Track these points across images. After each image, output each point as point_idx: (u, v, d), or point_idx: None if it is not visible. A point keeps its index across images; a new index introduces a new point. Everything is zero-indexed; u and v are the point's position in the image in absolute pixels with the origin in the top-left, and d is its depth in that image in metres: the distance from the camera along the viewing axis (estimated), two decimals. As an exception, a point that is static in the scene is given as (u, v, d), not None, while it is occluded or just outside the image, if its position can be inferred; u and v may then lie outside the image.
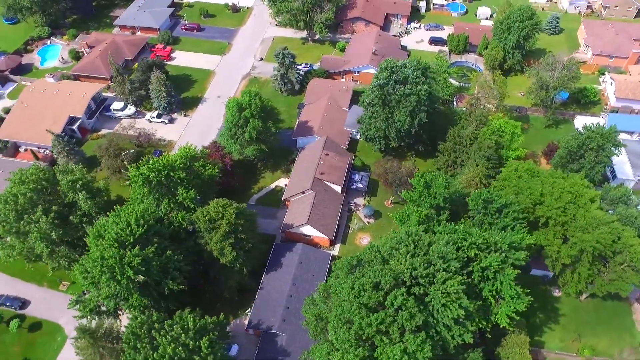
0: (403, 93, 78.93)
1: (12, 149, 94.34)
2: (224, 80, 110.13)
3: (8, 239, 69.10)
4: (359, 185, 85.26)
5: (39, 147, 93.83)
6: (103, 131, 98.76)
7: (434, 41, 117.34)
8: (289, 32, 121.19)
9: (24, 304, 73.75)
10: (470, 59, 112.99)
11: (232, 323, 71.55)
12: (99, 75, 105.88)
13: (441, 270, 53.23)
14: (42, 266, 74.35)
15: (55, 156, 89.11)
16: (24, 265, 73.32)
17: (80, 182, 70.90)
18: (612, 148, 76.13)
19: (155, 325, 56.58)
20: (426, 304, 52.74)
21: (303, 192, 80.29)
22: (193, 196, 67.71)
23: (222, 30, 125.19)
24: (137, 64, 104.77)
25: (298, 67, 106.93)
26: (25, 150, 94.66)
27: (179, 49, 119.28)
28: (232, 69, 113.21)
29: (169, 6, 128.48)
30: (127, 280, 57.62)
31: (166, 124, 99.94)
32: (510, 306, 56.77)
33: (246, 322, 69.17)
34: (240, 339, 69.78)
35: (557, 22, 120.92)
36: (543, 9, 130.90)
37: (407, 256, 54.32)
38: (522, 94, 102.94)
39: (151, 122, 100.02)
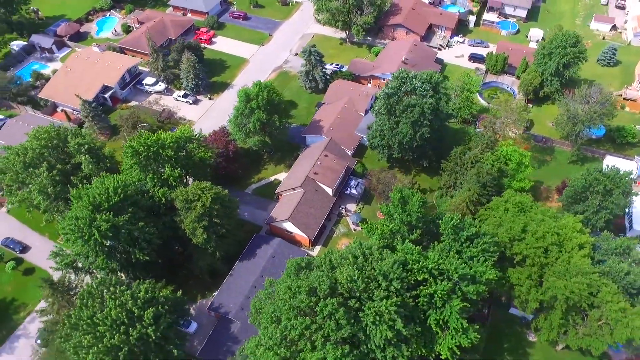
0: (408, 104, 77.42)
1: (50, 108, 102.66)
2: (255, 70, 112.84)
3: (13, 187, 75.63)
4: (353, 191, 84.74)
5: (72, 110, 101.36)
6: (133, 103, 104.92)
7: (473, 58, 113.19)
8: (330, 31, 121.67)
9: (25, 248, 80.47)
10: (507, 80, 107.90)
11: (199, 302, 74.28)
12: (141, 51, 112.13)
13: (381, 288, 52.22)
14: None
15: (82, 119, 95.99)
16: (34, 213, 79.80)
17: (87, 145, 76.07)
18: (623, 195, 70.26)
19: (111, 288, 59.96)
20: (359, 319, 52.04)
21: (294, 189, 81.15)
22: (177, 175, 70.69)
23: (267, 22, 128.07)
24: (174, 44, 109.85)
25: (327, 66, 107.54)
26: (61, 110, 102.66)
27: (221, 35, 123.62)
28: (266, 60, 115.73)
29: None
30: (94, 243, 61.49)
31: (190, 104, 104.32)
32: (453, 339, 54.58)
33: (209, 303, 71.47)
34: (202, 319, 72.21)
35: (614, 54, 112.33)
36: (604, 38, 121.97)
37: (351, 267, 53.78)
38: (552, 124, 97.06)
39: (177, 100, 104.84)
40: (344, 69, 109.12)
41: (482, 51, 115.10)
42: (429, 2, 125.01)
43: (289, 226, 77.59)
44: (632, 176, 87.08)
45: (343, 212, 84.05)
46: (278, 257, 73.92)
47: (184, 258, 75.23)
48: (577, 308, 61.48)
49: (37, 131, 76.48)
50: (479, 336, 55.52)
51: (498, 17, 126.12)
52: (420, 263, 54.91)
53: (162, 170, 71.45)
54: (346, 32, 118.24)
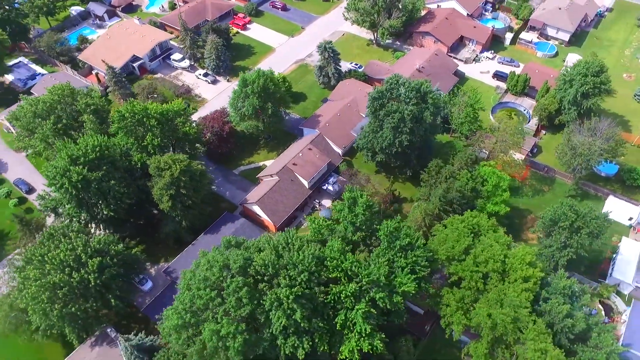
0: (390, 109, 77.61)
1: (86, 70, 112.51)
2: (278, 59, 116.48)
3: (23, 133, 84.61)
4: (330, 187, 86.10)
5: (105, 74, 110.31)
6: (158, 75, 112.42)
7: (497, 75, 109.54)
8: (361, 32, 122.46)
9: (30, 190, 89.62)
10: (526, 103, 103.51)
11: (160, 265, 79.41)
12: (178, 28, 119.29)
13: (288, 276, 54.03)
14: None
15: (107, 84, 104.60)
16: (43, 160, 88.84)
17: (93, 106, 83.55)
18: (588, 236, 66.35)
19: (70, 234, 66.26)
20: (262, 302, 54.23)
21: (271, 176, 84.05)
22: (156, 144, 75.96)
23: (304, 15, 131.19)
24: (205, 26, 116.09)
25: (346, 65, 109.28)
26: (95, 73, 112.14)
27: (257, 22, 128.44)
28: (291, 51, 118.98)
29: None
30: (65, 191, 68.18)
31: (209, 83, 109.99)
32: (356, 342, 55.23)
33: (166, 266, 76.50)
34: (158, 280, 77.29)
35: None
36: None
37: (269, 252, 56.00)
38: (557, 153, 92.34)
39: (197, 78, 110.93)
40: (361, 69, 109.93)
41: (508, 70, 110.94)
42: (468, 14, 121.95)
43: (257, 209, 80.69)
44: (631, 222, 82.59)
45: (317, 206, 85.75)
46: (238, 235, 77.06)
47: (156, 222, 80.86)
48: (506, 342, 59.64)
49: (54, 87, 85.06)
50: (382, 345, 55.62)
51: (538, 37, 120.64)
52: (336, 262, 55.91)
53: (144, 137, 76.87)
54: (374, 34, 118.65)
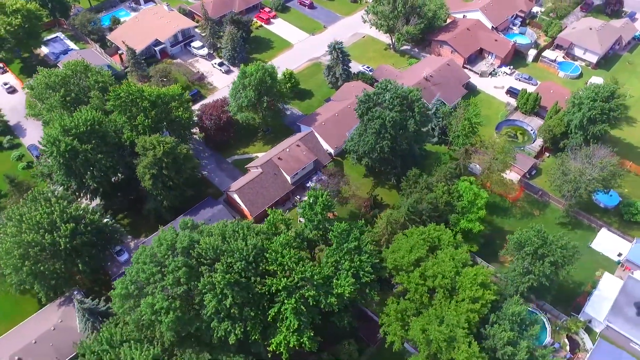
0: (373, 114, 77.77)
1: (113, 49, 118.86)
2: (293, 55, 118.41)
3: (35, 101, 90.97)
4: (312, 185, 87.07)
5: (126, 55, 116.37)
6: (178, 60, 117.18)
7: (511, 92, 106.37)
8: (382, 36, 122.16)
9: (40, 156, 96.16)
10: (534, 123, 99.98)
11: (140, 239, 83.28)
12: (211, 17, 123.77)
13: (225, 262, 55.89)
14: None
15: (126, 64, 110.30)
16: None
17: (101, 84, 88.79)
18: (550, 265, 63.87)
19: (52, 199, 70.99)
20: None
21: (257, 167, 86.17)
22: (147, 124, 79.76)
23: (329, 14, 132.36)
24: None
25: (359, 67, 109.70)
26: (120, 53, 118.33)
27: (282, 17, 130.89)
28: (308, 49, 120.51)
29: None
30: (54, 159, 73.30)
31: (222, 72, 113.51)
32: (282, 335, 56.40)
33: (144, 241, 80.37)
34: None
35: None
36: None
37: (215, 238, 58.13)
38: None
39: (213, 67, 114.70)
40: (371, 73, 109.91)
41: (525, 87, 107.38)
42: (492, 27, 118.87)
43: (237, 198, 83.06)
44: (620, 259, 78.50)
45: (298, 201, 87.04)
46: (213, 221, 79.45)
47: (144, 198, 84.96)
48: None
49: (70, 62, 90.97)
50: (311, 342, 56.41)
51: (564, 57, 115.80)
52: (276, 255, 57.20)
53: (136, 116, 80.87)
54: (391, 39, 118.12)
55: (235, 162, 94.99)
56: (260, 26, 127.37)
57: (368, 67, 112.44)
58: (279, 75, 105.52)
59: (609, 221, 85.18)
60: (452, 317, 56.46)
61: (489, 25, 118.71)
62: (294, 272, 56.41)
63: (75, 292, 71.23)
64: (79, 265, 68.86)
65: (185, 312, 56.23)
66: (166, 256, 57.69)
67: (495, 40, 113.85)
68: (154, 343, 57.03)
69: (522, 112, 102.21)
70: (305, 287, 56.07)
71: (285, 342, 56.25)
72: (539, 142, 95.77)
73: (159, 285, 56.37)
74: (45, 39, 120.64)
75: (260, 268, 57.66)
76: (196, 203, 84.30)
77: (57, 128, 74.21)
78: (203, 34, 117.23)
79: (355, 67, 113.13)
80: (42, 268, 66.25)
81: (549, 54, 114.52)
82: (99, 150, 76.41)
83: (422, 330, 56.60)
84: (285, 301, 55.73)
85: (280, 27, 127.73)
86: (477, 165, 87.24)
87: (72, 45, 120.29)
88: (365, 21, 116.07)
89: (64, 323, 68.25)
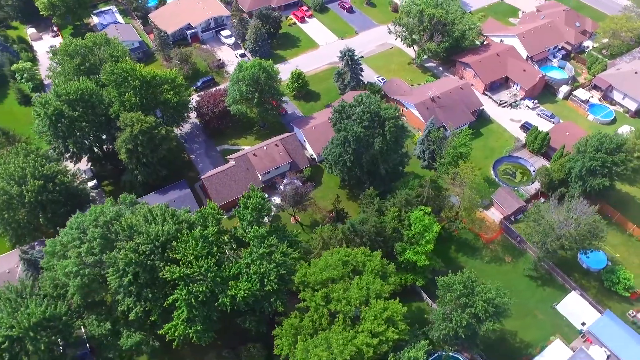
0: (340, 126, 76.64)
1: (150, 28, 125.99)
2: (315, 56, 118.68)
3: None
4: (281, 187, 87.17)
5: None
6: (206, 45, 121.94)
7: (525, 127, 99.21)
8: (410, 49, 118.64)
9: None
10: (539, 163, 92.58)
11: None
12: (241, 8, 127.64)
13: (135, 242, 58.42)
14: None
15: (155, 44, 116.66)
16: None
17: (114, 58, 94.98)
18: (470, 317, 59.60)
19: (31, 155, 77.41)
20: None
21: (232, 160, 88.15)
22: (133, 101, 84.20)
23: (366, 20, 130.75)
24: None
25: (375, 77, 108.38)
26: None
27: (318, 17, 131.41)
28: (331, 52, 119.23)
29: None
30: (41, 120, 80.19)
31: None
32: (172, 323, 58.27)
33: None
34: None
35: None
36: None
37: (139, 218, 60.93)
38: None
39: (236, 57, 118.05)
40: (383, 83, 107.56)
41: (543, 124, 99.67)
42: (527, 56, 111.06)
43: (206, 185, 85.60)
44: (582, 329, 71.46)
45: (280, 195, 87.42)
46: (176, 203, 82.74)
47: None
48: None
49: (93, 34, 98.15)
50: (203, 336, 57.60)
51: (600, 100, 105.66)
52: (185, 245, 58.73)
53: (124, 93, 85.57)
54: (414, 53, 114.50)
55: (224, 151, 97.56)
56: (294, 23, 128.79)
57: (382, 79, 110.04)
58: (287, 75, 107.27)
59: (586, 285, 77.49)
60: (338, 345, 54.72)
61: (524, 53, 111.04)
62: (193, 265, 57.58)
63: (36, 243, 77.48)
64: (40, 219, 74.81)
65: (92, 281, 59.49)
66: (90, 226, 61.23)
67: (524, 70, 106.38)
68: (64, 302, 60.79)
69: (530, 151, 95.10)
70: (199, 282, 57.08)
71: (174, 329, 57.73)
72: (537, 185, 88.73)
73: (76, 250, 60.06)
74: (98, 10, 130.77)
75: (167, 255, 59.41)
76: (170, 183, 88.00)
77: (52, 92, 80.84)
78: (233, 25, 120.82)
79: (371, 76, 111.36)
80: (5, 215, 73.02)
81: (581, 93, 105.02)
82: (85, 119, 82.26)
83: (304, 351, 55.52)
84: (180, 291, 57.11)
85: (312, 27, 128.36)
86: (458, 197, 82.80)
87: (119, 18, 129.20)
88: (390, 32, 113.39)
89: (18, 269, 74.65)
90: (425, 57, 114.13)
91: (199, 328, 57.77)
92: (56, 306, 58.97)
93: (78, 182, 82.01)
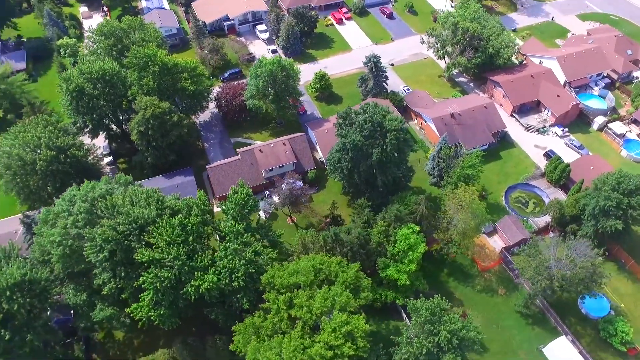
0: (341, 133, 75.88)
1: (190, 15, 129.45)
2: (346, 59, 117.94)
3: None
4: (283, 186, 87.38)
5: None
6: (241, 38, 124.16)
7: (548, 155, 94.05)
8: (442, 61, 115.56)
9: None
10: (555, 195, 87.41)
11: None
12: (279, 4, 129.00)
13: (115, 222, 60.67)
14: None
15: (191, 32, 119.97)
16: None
17: (144, 41, 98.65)
18: (434, 348, 57.39)
19: (49, 127, 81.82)
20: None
21: (239, 153, 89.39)
22: (151, 86, 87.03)
23: (404, 28, 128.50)
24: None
25: (401, 86, 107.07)
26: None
27: (357, 20, 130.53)
28: (363, 57, 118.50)
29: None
30: (63, 95, 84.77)
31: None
32: (138, 305, 60.19)
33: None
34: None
35: None
36: None
37: (126, 199, 63.29)
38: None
39: (268, 52, 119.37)
40: (408, 92, 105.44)
41: (568, 154, 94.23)
42: (566, 82, 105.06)
43: (209, 175, 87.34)
44: None
45: (266, 196, 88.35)
46: (179, 189, 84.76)
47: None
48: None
49: (129, 18, 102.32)
50: (166, 321, 59.25)
51: (638, 136, 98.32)
52: (160, 230, 60.28)
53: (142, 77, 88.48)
54: (445, 66, 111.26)
55: (236, 144, 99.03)
56: (331, 24, 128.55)
57: (407, 89, 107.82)
58: (310, 76, 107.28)
59: (581, 332, 72.62)
60: (288, 351, 54.38)
61: (562, 78, 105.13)
62: (163, 251, 58.98)
63: (41, 209, 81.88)
64: (48, 188, 79.16)
65: (74, 252, 62.23)
66: (78, 200, 64.14)
67: (558, 96, 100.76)
68: (47, 268, 64.05)
69: (548, 181, 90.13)
70: (166, 268, 58.42)
71: (140, 310, 59.42)
72: (548, 218, 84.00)
73: (63, 221, 63.11)
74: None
75: (143, 238, 61.13)
76: (179, 168, 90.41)
77: (77, 70, 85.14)
78: (269, 20, 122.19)
79: (398, 85, 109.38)
80: (18, 180, 77.84)
81: (617, 126, 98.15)
82: (104, 98, 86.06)
83: (255, 351, 55.63)
84: (148, 274, 58.71)
85: (349, 29, 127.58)
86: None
87: (165, 4, 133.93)
88: (423, 42, 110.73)
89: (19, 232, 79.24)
90: (455, 71, 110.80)
91: (162, 312, 59.20)
92: (38, 271, 62.22)
93: (92, 157, 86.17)
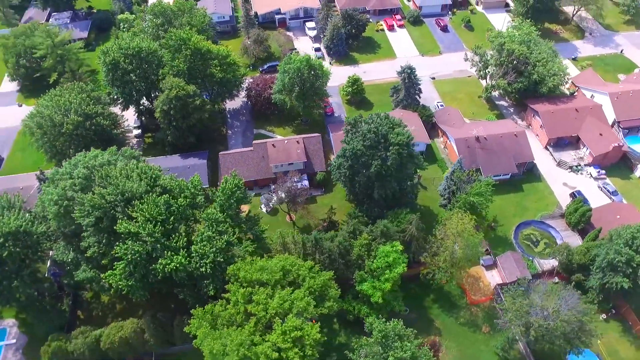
0: (344, 140, 75.22)
1: (247, 5, 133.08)
2: (388, 67, 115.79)
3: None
4: (287, 184, 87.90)
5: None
6: (290, 33, 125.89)
7: (574, 196, 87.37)
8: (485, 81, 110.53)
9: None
10: (571, 239, 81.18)
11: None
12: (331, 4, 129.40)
13: (105, 191, 64.30)
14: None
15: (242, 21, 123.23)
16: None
17: (189, 25, 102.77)
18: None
19: (84, 95, 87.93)
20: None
21: (254, 144, 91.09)
22: (182, 68, 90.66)
23: (456, 42, 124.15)
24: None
25: (436, 102, 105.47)
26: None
27: (409, 29, 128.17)
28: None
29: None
30: (100, 66, 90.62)
31: (317, 57, 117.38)
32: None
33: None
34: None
35: None
36: None
37: (120, 173, 66.81)
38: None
39: (312, 49, 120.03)
40: (440, 108, 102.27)
41: (599, 198, 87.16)
42: (615, 121, 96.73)
43: (220, 161, 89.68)
44: None
45: (271, 192, 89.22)
46: (190, 170, 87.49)
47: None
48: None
49: (180, 1, 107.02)
50: (134, 292, 62.04)
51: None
52: (141, 207, 62.99)
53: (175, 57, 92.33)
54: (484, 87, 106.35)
55: (258, 135, 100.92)
56: (382, 30, 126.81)
57: (441, 104, 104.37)
58: (347, 78, 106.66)
59: (564, 388, 67.38)
60: (232, 345, 55.06)
61: (611, 116, 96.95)
62: (140, 226, 61.55)
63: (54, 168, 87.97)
64: (71, 150, 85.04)
65: (67, 213, 66.58)
66: (80, 165, 68.54)
67: (600, 134, 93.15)
68: (44, 224, 69.10)
69: (567, 223, 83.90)
70: (140, 242, 60.98)
71: (111, 277, 62.51)
72: (554, 262, 78.36)
73: (63, 183, 67.75)
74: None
75: (128, 210, 64.10)
76: (196, 150, 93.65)
77: (117, 44, 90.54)
78: (319, 18, 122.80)
79: (432, 100, 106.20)
80: (46, 138, 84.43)
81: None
82: (136, 73, 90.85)
83: (203, 337, 56.84)
84: (124, 245, 61.62)
85: (398, 37, 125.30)
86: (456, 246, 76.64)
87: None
88: (466, 59, 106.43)
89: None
90: (496, 94, 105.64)
91: (130, 283, 61.85)
92: (34, 224, 67.33)
93: (119, 129, 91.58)
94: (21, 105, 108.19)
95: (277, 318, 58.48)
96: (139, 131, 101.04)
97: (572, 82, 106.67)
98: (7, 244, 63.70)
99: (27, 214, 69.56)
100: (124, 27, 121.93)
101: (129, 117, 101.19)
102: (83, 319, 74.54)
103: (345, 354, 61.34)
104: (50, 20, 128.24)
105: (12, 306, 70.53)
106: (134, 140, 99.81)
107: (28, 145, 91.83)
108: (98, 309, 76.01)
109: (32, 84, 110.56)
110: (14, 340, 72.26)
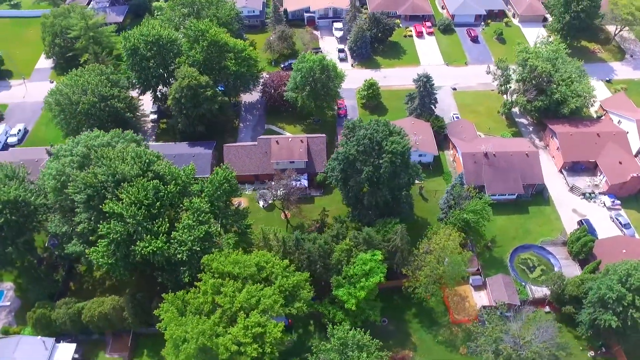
0: (340, 144, 74.83)
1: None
2: (409, 73, 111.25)
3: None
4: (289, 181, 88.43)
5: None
6: (317, 32, 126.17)
7: (581, 224, 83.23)
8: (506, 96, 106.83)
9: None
10: (570, 269, 77.45)
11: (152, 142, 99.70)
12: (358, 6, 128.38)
13: (99, 171, 66.86)
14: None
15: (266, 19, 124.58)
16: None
17: (215, 17, 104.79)
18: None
19: (101, 75, 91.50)
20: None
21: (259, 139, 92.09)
22: (198, 58, 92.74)
23: (485, 54, 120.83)
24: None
25: (452, 113, 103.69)
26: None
27: (438, 37, 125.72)
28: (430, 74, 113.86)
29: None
30: (123, 49, 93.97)
31: (338, 59, 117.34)
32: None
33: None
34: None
35: None
36: None
37: (116, 154, 69.29)
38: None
39: (337, 51, 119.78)
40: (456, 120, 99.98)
41: (608, 229, 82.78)
42: (639, 153, 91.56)
43: (224, 153, 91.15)
44: None
45: (268, 187, 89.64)
46: (195, 158, 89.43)
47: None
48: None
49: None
50: (114, 270, 64.58)
51: None
52: (129, 190, 65.03)
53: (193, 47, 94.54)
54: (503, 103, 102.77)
55: (268, 130, 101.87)
56: (410, 35, 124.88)
57: (457, 116, 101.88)
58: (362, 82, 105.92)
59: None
60: (192, 332, 56.15)
61: (636, 145, 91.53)
62: (124, 208, 63.52)
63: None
64: (84, 127, 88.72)
65: (63, 187, 69.61)
66: (81, 143, 71.56)
67: (620, 163, 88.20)
68: (43, 196, 72.60)
69: (568, 251, 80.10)
70: (122, 224, 63.01)
71: (94, 254, 64.84)
72: (547, 290, 74.99)
73: (63, 159, 70.97)
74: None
75: (117, 191, 66.30)
76: (205, 140, 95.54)
77: (138, 31, 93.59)
78: (346, 19, 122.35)
79: (449, 111, 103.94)
80: (62, 115, 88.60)
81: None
82: (154, 60, 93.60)
83: (168, 322, 58.18)
84: (107, 224, 63.88)
85: (425, 44, 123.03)
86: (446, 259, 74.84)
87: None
88: (488, 72, 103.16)
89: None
90: (516, 110, 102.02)
91: (111, 261, 64.02)
92: (32, 195, 70.89)
93: (134, 114, 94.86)
94: (52, 82, 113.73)
95: (242, 312, 59.12)
96: (155, 116, 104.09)
97: (600, 105, 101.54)
98: (4, 212, 67.40)
99: (31, 185, 73.23)
100: (157, 15, 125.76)
101: (147, 102, 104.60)
102: (74, 291, 77.79)
103: (306, 357, 61.31)
104: (92, 3, 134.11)
105: (8, 270, 74.68)
106: (149, 125, 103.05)
107: (49, 120, 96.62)
108: (89, 283, 79.17)
109: (66, 63, 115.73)
110: (9, 303, 76.36)
